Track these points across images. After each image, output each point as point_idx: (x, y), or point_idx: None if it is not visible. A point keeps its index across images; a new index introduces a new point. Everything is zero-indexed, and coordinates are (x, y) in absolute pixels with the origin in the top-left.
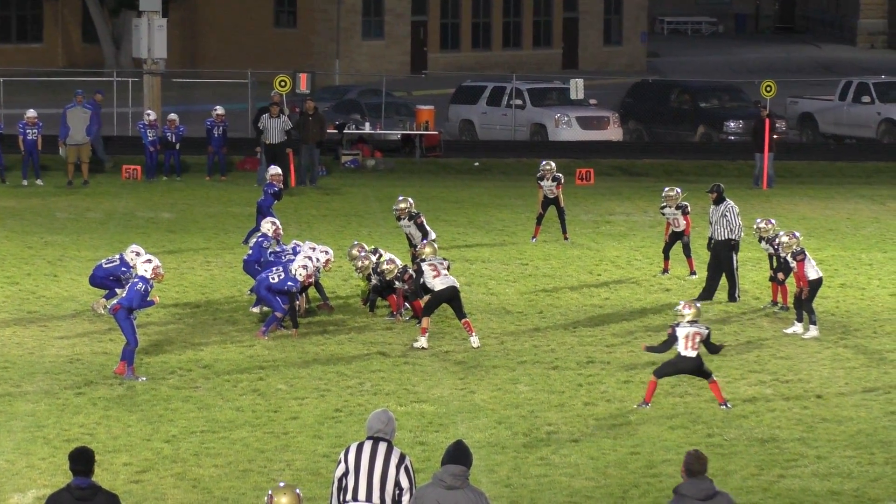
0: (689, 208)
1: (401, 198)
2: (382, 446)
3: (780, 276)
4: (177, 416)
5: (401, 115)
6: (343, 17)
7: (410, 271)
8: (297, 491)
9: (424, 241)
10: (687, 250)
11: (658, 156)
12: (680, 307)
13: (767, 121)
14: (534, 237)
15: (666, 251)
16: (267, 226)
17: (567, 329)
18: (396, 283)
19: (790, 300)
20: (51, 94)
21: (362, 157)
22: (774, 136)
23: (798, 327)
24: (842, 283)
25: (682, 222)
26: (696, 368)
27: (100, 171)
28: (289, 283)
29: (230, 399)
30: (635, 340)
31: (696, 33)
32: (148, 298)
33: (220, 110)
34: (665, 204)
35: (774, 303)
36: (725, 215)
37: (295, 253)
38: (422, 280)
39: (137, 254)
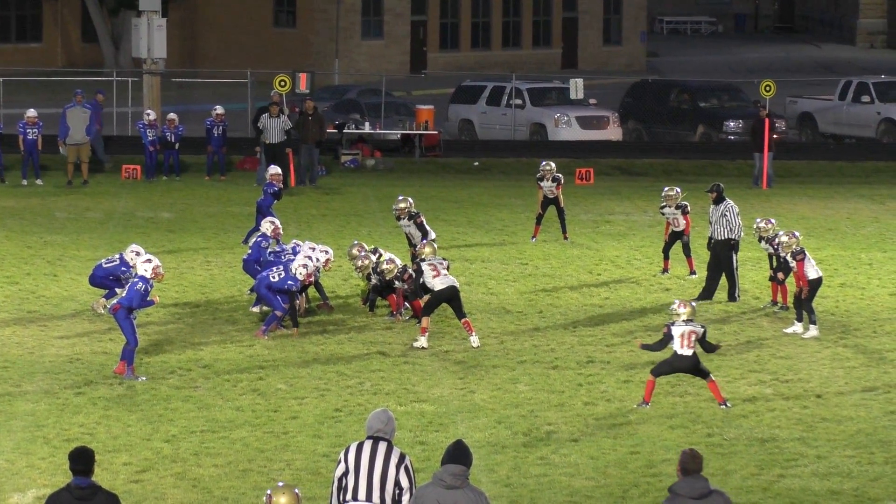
0: (688, 208)
1: (400, 197)
2: (382, 446)
3: (780, 275)
4: (177, 415)
5: (400, 114)
6: (342, 16)
7: (410, 271)
8: (297, 491)
9: (424, 241)
10: (687, 250)
11: (657, 155)
12: (675, 306)
13: (767, 120)
14: (533, 237)
15: (666, 251)
16: (266, 225)
17: (567, 329)
18: (396, 282)
19: (790, 300)
20: (50, 94)
21: (362, 157)
22: (774, 136)
23: (798, 327)
24: (841, 282)
25: (682, 222)
26: (692, 367)
27: (99, 171)
28: (289, 282)
29: (230, 399)
30: (635, 340)
31: (695, 33)
32: (148, 298)
33: (219, 110)
34: (665, 203)
35: (774, 302)
36: (725, 215)
37: (295, 252)
38: (421, 280)
39: (137, 253)
